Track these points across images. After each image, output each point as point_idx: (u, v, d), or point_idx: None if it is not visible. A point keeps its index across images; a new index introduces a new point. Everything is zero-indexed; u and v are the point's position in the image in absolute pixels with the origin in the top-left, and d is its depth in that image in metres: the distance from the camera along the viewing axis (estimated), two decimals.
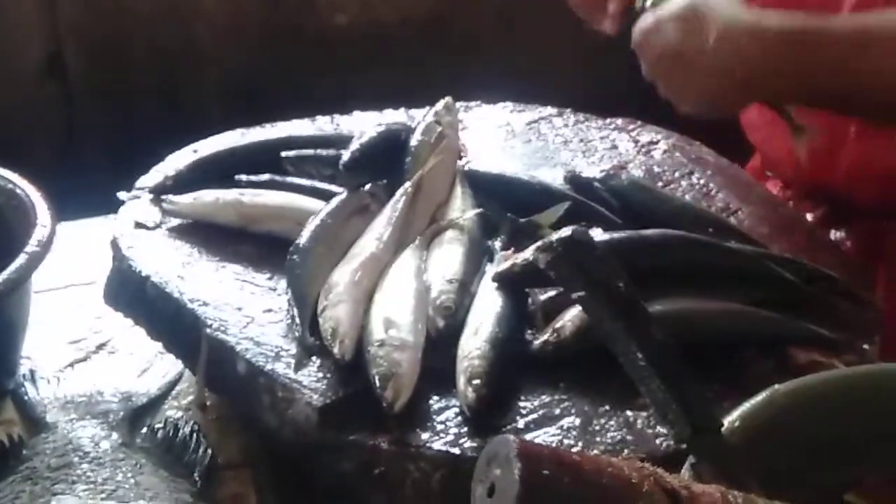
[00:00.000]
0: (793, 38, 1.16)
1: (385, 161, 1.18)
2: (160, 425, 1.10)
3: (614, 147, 1.35)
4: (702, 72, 1.16)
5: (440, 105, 1.27)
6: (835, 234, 1.37)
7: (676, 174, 1.29)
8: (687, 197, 1.24)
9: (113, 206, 1.24)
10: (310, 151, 1.21)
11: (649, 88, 1.36)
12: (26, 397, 1.15)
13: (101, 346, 1.24)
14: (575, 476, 0.68)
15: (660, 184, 1.27)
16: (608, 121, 1.42)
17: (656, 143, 1.36)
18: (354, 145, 1.19)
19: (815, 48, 1.15)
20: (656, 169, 1.31)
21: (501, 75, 2.00)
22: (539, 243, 0.90)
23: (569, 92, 1.62)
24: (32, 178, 1.19)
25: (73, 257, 1.36)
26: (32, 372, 1.18)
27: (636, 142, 1.36)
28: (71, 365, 1.21)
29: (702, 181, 1.28)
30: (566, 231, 0.89)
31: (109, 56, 2.73)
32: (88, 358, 1.22)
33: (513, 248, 1.08)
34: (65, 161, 2.58)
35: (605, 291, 0.87)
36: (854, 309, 1.08)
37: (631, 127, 1.40)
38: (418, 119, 1.25)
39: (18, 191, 1.18)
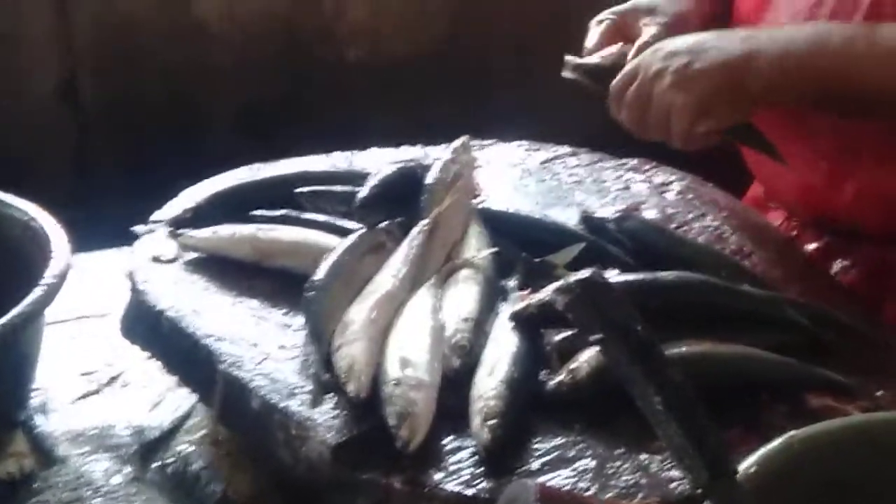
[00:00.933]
0: (800, 30, 1.22)
1: (401, 199, 1.18)
2: (172, 460, 1.11)
3: (628, 188, 1.36)
4: (713, 64, 1.19)
5: (456, 144, 1.28)
6: (840, 264, 1.37)
7: (690, 216, 1.30)
8: (700, 239, 1.25)
9: (126, 236, 1.25)
10: (324, 188, 1.21)
11: None
12: (37, 429, 1.15)
13: (113, 379, 1.25)
14: None
15: (673, 225, 1.28)
16: (622, 161, 1.42)
17: (669, 184, 1.37)
18: (371, 182, 1.20)
19: (822, 36, 1.20)
20: (669, 210, 1.31)
21: (517, 110, 2.01)
22: (557, 284, 0.91)
23: (584, 128, 1.63)
24: (45, 204, 1.20)
25: (87, 289, 1.37)
26: (44, 404, 1.18)
27: (650, 182, 1.37)
28: (83, 397, 1.22)
29: (715, 223, 1.28)
30: (584, 273, 0.89)
31: (123, 83, 2.75)
32: (100, 391, 1.23)
33: (528, 289, 1.08)
34: (77, 187, 2.59)
35: (623, 334, 0.87)
36: (868, 353, 1.08)
37: (645, 168, 1.40)
38: (434, 157, 1.26)
39: (35, 223, 1.19)
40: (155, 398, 1.20)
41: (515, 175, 1.39)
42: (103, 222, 1.36)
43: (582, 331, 0.90)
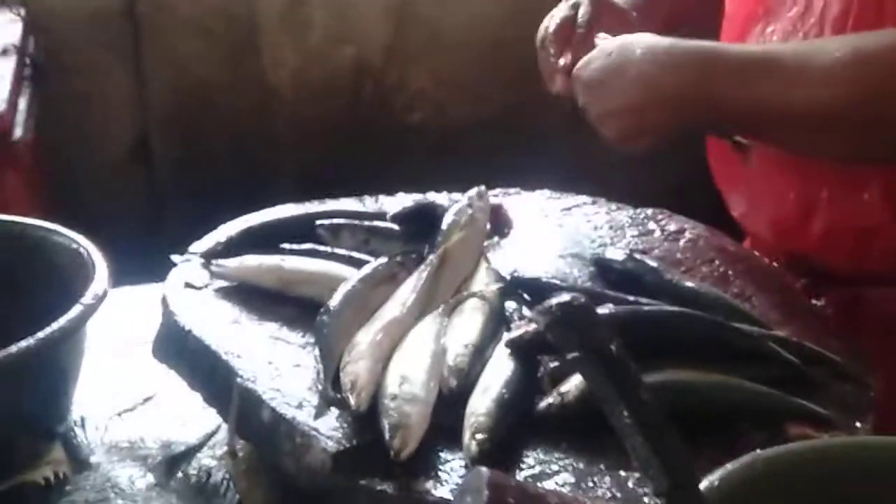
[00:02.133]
0: (709, 56, 1.32)
1: (419, 233, 1.27)
2: (194, 471, 1.19)
3: (642, 234, 1.42)
4: (626, 86, 1.32)
5: (473, 191, 1.36)
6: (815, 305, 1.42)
7: (698, 261, 1.36)
8: (705, 282, 1.30)
9: None
10: (345, 221, 1.30)
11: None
12: (75, 441, 1.24)
13: (147, 400, 1.33)
14: None
15: (682, 269, 1.34)
16: (639, 210, 1.49)
17: (682, 231, 1.43)
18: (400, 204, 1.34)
19: (726, 66, 1.31)
20: (679, 256, 1.37)
21: (569, 173, 2.08)
22: (539, 307, 0.97)
23: (638, 188, 1.70)
24: (115, 257, 1.28)
25: (129, 319, 1.46)
26: (83, 419, 1.27)
27: (663, 230, 1.43)
28: (119, 414, 1.30)
29: (721, 268, 1.34)
30: (564, 296, 0.96)
31: (193, 143, 2.88)
32: (135, 409, 1.31)
33: (528, 320, 1.15)
34: (148, 245, 2.71)
35: (598, 353, 0.93)
36: (852, 391, 1.13)
37: (660, 217, 1.47)
38: (453, 201, 1.35)
39: (82, 250, 1.28)
40: (185, 416, 1.29)
41: (536, 219, 1.46)
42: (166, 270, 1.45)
43: (562, 350, 0.96)
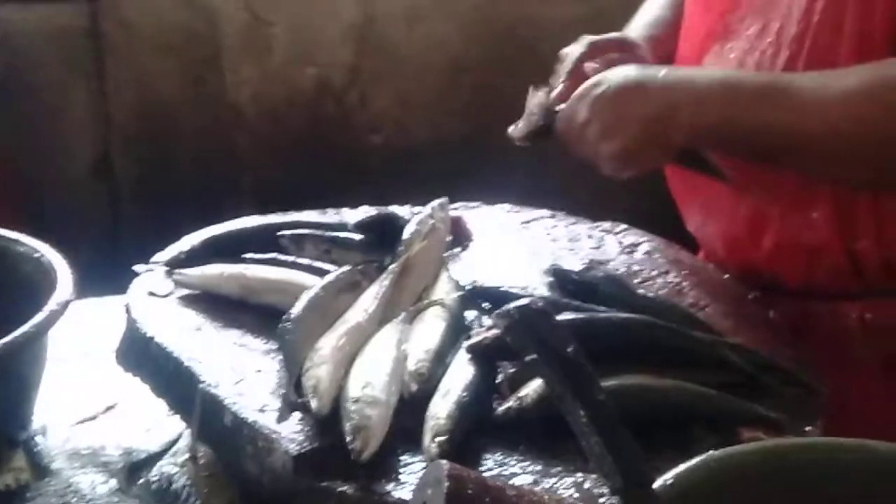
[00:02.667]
0: (729, 77, 1.35)
1: (380, 242, 1.29)
2: (156, 478, 1.20)
3: (599, 247, 1.45)
4: (649, 99, 1.32)
5: (435, 202, 1.38)
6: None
7: (654, 272, 1.39)
8: (661, 293, 1.33)
9: None
10: (307, 231, 1.32)
11: None
12: (37, 448, 1.24)
13: (109, 408, 1.34)
14: (496, 498, 0.76)
15: (637, 280, 1.36)
16: (596, 224, 1.52)
17: (639, 244, 1.46)
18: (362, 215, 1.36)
19: (747, 89, 1.32)
20: (635, 267, 1.40)
21: (528, 191, 2.11)
22: (499, 311, 0.99)
23: (596, 203, 1.73)
24: (77, 272, 1.28)
25: (93, 331, 1.47)
26: (44, 427, 1.28)
27: (620, 243, 1.46)
28: (81, 422, 1.31)
29: (676, 280, 1.37)
30: (523, 301, 0.98)
31: (155, 160, 2.88)
32: (97, 417, 1.32)
33: (487, 326, 1.17)
34: (109, 259, 2.71)
35: (555, 355, 0.95)
36: (802, 396, 1.16)
37: (617, 230, 1.50)
38: (414, 213, 1.37)
39: (44, 259, 1.29)
40: (147, 426, 1.29)
41: (496, 232, 1.48)
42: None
43: (520, 352, 0.98)
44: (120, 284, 1.34)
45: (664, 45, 1.60)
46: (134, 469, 1.21)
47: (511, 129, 1.49)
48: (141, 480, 1.19)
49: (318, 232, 1.33)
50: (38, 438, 1.26)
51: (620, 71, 1.37)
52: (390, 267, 1.24)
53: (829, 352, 1.35)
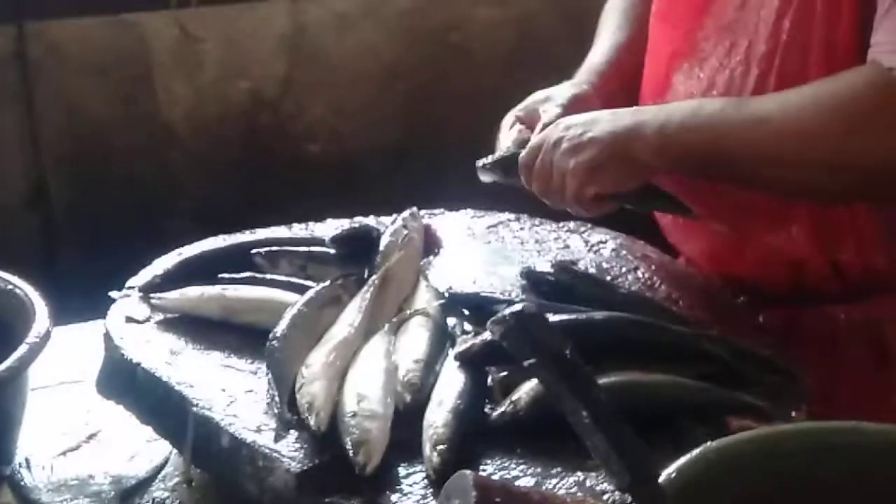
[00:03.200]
0: (695, 103, 1.37)
1: (355, 255, 1.31)
2: None
3: (567, 247, 1.47)
4: (619, 119, 1.34)
5: (407, 213, 1.40)
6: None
7: (623, 269, 1.41)
8: (633, 289, 1.36)
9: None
10: (282, 248, 1.33)
11: None
12: (22, 482, 1.23)
13: (91, 437, 1.33)
14: None
15: (608, 278, 1.39)
16: (561, 224, 1.54)
17: (605, 242, 1.48)
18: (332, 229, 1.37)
19: (700, 105, 1.35)
20: (605, 265, 1.42)
21: (464, 194, 2.12)
22: (494, 317, 1.01)
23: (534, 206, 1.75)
24: None
25: (60, 359, 1.46)
26: (28, 460, 1.27)
27: (586, 242, 1.48)
28: (63, 453, 1.30)
29: (646, 275, 1.40)
30: (517, 306, 1.00)
31: (90, 185, 2.85)
32: (80, 447, 1.31)
33: (473, 332, 1.19)
34: (46, 286, 2.67)
35: (553, 358, 0.97)
36: (783, 382, 1.19)
37: (582, 229, 1.52)
38: (387, 223, 1.38)
39: (18, 290, 1.28)
40: (131, 452, 1.28)
41: (463, 239, 1.50)
42: (69, 313, 1.44)
43: (517, 357, 1.00)
44: (58, 312, 1.31)
45: (622, 72, 1.61)
46: (125, 497, 1.20)
47: (479, 162, 1.49)
48: None
49: (293, 248, 1.33)
50: (23, 472, 1.24)
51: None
52: (370, 280, 1.25)
53: (819, 351, 1.38)
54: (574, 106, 1.46)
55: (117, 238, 2.79)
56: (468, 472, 0.77)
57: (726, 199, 1.41)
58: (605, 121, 1.34)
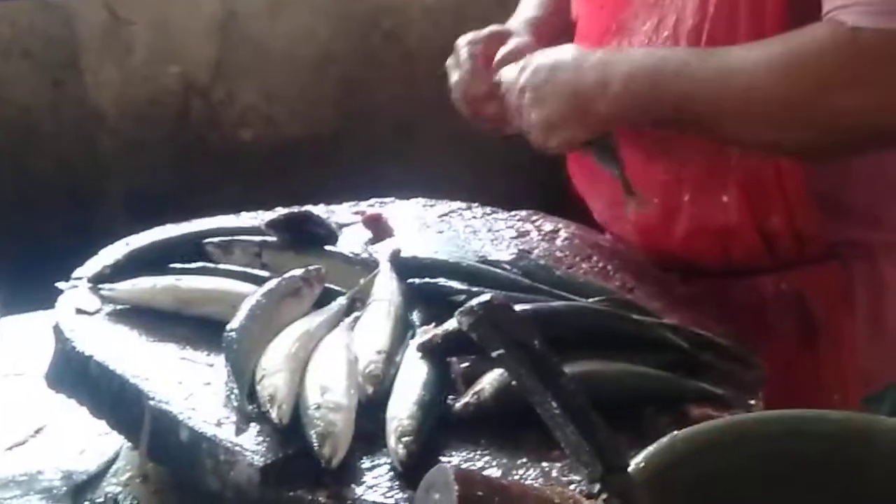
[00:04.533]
0: (650, 51, 1.39)
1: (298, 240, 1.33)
2: (100, 500, 1.17)
3: (519, 235, 1.47)
4: (576, 79, 1.35)
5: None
6: None
7: (577, 258, 1.42)
8: (588, 277, 1.36)
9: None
10: (235, 237, 1.32)
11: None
12: None
13: (38, 431, 1.30)
14: (504, 497, 0.77)
15: (563, 266, 1.39)
16: (513, 213, 1.54)
17: (557, 231, 1.48)
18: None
19: (664, 57, 1.36)
20: (558, 254, 1.43)
21: (401, 180, 2.12)
22: (462, 309, 1.00)
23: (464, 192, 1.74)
24: None
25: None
26: None
27: (539, 230, 1.48)
28: (10, 448, 1.27)
29: (600, 264, 1.40)
30: (486, 296, 0.99)
31: (17, 172, 2.79)
32: (27, 441, 1.28)
33: (433, 323, 1.18)
34: None
35: (522, 348, 0.97)
36: (740, 370, 1.20)
37: (534, 218, 1.52)
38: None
39: None
40: (80, 446, 1.26)
41: (415, 228, 1.49)
42: None
43: (485, 348, 0.99)
44: None
45: (547, 30, 1.63)
46: (77, 492, 1.17)
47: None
48: (86, 503, 1.16)
49: (246, 237, 1.31)
50: None
51: (560, 48, 1.40)
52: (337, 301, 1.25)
53: (747, 323, 1.39)
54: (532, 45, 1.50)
55: (47, 226, 2.74)
56: (448, 464, 0.76)
57: (656, 172, 1.44)
58: (567, 70, 1.36)
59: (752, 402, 1.14)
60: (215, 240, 1.31)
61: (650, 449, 0.96)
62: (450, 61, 1.57)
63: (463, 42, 1.57)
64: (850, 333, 1.45)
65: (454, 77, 1.55)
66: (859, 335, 1.45)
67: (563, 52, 1.39)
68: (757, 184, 1.41)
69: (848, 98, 1.24)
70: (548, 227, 1.50)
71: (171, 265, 1.29)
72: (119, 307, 1.25)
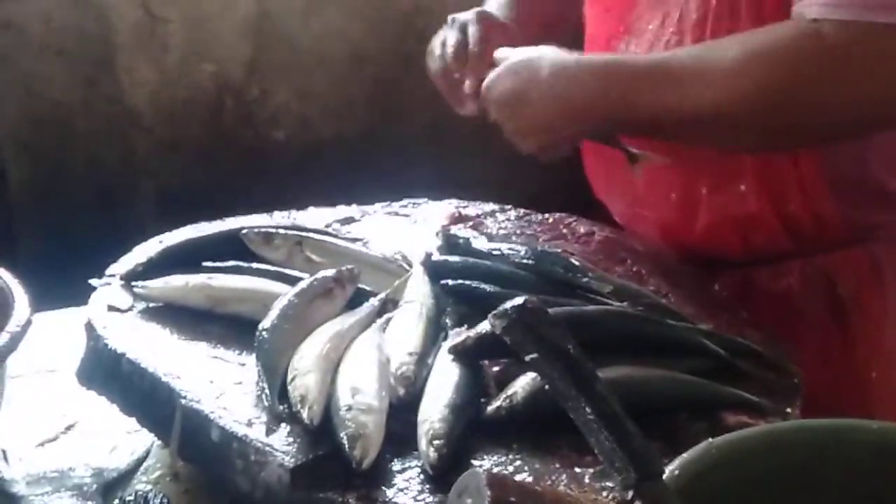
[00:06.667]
0: (613, 66, 1.39)
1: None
2: (131, 498, 1.16)
3: (554, 238, 1.46)
4: (539, 103, 1.38)
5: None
6: None
7: (612, 261, 1.40)
8: (622, 280, 1.34)
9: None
10: (270, 228, 1.33)
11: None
12: (0, 475, 1.20)
13: (69, 428, 1.30)
14: (537, 503, 0.76)
15: (598, 270, 1.37)
16: (546, 216, 1.53)
17: (592, 234, 1.47)
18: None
19: (630, 74, 1.37)
20: (593, 257, 1.41)
21: (431, 182, 2.11)
22: (495, 312, 0.99)
23: (503, 194, 1.74)
24: None
25: (36, 345, 1.42)
26: (4, 451, 1.23)
27: (574, 233, 1.47)
28: (42, 444, 1.27)
29: (635, 267, 1.39)
30: (519, 299, 0.98)
31: (51, 170, 2.80)
32: (58, 438, 1.28)
33: (466, 325, 1.17)
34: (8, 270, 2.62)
35: (556, 352, 0.96)
36: (777, 378, 1.18)
37: (568, 220, 1.51)
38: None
39: None
40: (111, 443, 1.26)
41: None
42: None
43: (519, 352, 0.98)
44: None
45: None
46: (107, 489, 1.17)
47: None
48: (116, 501, 1.16)
49: (285, 230, 1.31)
50: (1, 464, 1.21)
51: (536, 58, 1.41)
52: (370, 303, 1.24)
53: (777, 310, 1.39)
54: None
55: (79, 224, 2.75)
56: (481, 469, 0.76)
57: (671, 169, 1.44)
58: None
59: (789, 410, 1.13)
60: (255, 228, 1.30)
61: (685, 456, 0.95)
62: (436, 40, 1.63)
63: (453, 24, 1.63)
64: (881, 312, 1.45)
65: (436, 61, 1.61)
66: (890, 312, 1.45)
67: (529, 76, 1.40)
68: (773, 171, 1.41)
69: (815, 94, 1.26)
70: (582, 229, 1.48)
71: (204, 263, 1.29)
72: (151, 305, 1.25)
